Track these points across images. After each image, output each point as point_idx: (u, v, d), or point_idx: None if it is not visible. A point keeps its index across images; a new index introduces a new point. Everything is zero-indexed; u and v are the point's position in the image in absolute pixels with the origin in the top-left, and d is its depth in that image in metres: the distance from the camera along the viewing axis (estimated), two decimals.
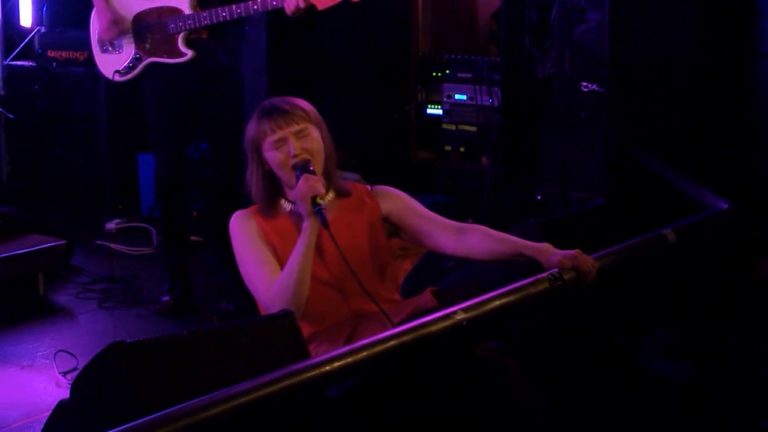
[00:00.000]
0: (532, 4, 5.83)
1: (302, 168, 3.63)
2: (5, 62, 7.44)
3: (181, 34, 5.37)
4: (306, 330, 3.45)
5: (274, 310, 3.38)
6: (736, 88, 5.55)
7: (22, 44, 7.55)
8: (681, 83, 5.50)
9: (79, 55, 7.08)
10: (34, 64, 7.38)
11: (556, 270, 3.53)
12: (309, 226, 3.56)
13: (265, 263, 3.66)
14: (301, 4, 5.03)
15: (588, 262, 3.55)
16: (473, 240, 3.73)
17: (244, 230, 3.74)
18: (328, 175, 3.74)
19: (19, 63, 7.49)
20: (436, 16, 6.87)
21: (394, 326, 3.26)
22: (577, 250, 3.57)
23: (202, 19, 5.30)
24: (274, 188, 3.75)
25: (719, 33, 5.55)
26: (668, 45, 5.49)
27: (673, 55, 5.51)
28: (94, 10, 5.63)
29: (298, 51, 6.72)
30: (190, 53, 5.39)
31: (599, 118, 5.56)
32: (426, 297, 3.53)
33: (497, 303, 3.36)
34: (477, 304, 3.31)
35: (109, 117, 6.99)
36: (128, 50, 5.54)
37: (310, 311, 3.57)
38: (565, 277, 3.51)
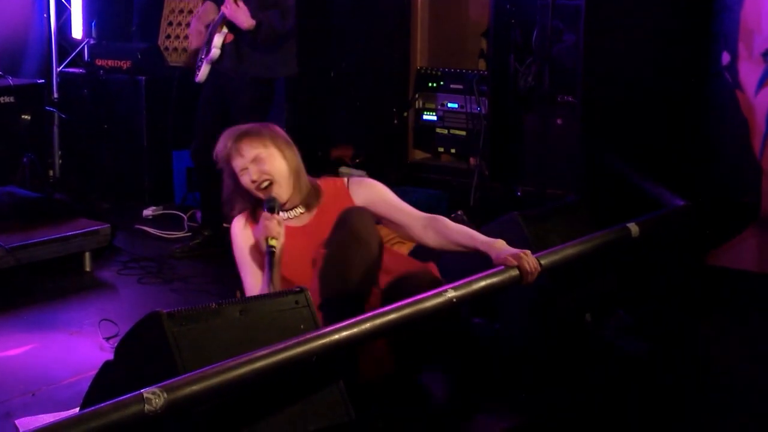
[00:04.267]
0: (516, 26, 5.83)
1: (267, 205, 3.63)
2: (59, 69, 7.44)
3: (216, 35, 5.55)
4: None
5: None
6: (692, 101, 5.55)
7: (74, 53, 7.56)
8: (645, 96, 5.50)
9: (123, 64, 7.08)
10: (83, 71, 7.39)
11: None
12: (267, 262, 3.53)
13: (253, 275, 3.69)
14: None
15: (531, 263, 3.45)
16: (437, 233, 3.67)
17: (238, 241, 3.76)
18: (297, 187, 3.75)
19: (70, 70, 7.49)
20: (433, 35, 6.85)
21: None
22: (525, 250, 3.49)
23: (218, 20, 5.54)
24: (257, 200, 3.74)
25: (679, 54, 5.55)
26: (634, 63, 5.49)
27: (638, 71, 5.51)
28: None
29: (316, 63, 6.73)
30: (213, 50, 5.55)
31: (573, 125, 5.57)
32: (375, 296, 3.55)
33: (482, 283, 3.39)
34: (465, 284, 3.34)
35: (148, 118, 7.00)
36: (200, 53, 5.73)
37: None
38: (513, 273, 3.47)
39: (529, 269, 3.45)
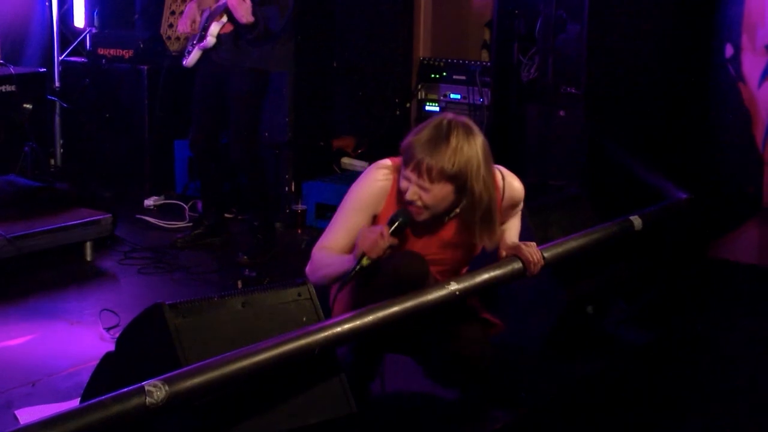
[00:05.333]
0: (520, 16, 5.80)
1: (394, 219, 3.20)
2: (61, 58, 7.41)
3: (213, 24, 5.49)
4: None
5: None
6: (695, 93, 5.54)
7: (75, 42, 7.52)
8: (648, 88, 5.49)
9: (125, 53, 7.06)
10: (85, 60, 7.36)
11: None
12: (351, 260, 3.17)
13: (343, 231, 3.31)
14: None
15: (534, 255, 3.40)
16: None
17: (367, 185, 3.36)
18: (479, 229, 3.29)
19: (72, 59, 7.46)
20: (435, 25, 6.84)
21: None
22: (527, 243, 3.46)
23: (218, 9, 5.46)
24: None
25: (682, 45, 5.53)
26: (638, 55, 5.47)
27: (642, 63, 5.49)
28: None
29: (319, 53, 6.71)
30: (209, 39, 5.50)
31: (576, 116, 5.55)
32: None
33: (485, 276, 3.37)
34: (468, 277, 3.32)
35: (150, 108, 6.97)
36: (192, 39, 5.69)
37: None
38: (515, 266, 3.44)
39: (531, 260, 3.42)
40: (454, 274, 3.42)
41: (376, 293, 3.15)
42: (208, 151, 5.78)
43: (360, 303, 3.14)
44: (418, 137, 3.20)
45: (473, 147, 3.20)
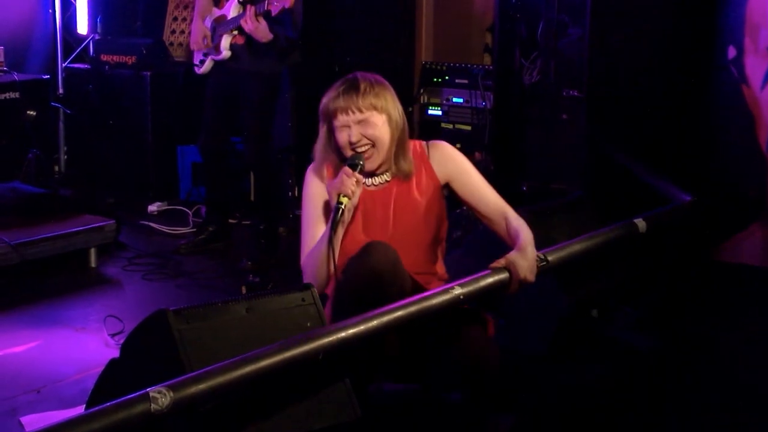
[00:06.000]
0: (521, 20, 5.80)
1: (350, 162, 3.35)
2: (64, 65, 7.43)
3: (224, 36, 5.53)
4: None
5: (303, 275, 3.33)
6: (697, 95, 5.53)
7: (79, 49, 7.55)
8: (650, 91, 5.49)
9: (128, 59, 7.07)
10: (89, 66, 7.37)
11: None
12: (332, 218, 3.28)
13: (315, 227, 3.42)
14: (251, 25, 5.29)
15: (523, 273, 3.30)
16: (502, 229, 3.49)
17: (310, 190, 3.49)
18: (395, 157, 3.44)
19: (76, 65, 7.48)
20: (438, 30, 6.84)
21: None
22: (526, 256, 3.34)
23: (227, 25, 5.54)
24: (343, 156, 3.44)
25: (684, 48, 5.53)
26: (640, 57, 5.47)
27: (643, 66, 5.49)
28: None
29: (321, 58, 6.72)
30: (224, 53, 5.56)
31: (578, 120, 5.55)
32: None
33: (489, 280, 3.35)
34: (472, 281, 3.31)
35: (153, 113, 6.98)
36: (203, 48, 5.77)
37: None
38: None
39: (516, 278, 3.31)
40: (432, 252, 3.52)
41: (353, 295, 3.18)
42: (217, 154, 5.82)
43: (341, 311, 3.18)
44: (333, 93, 3.40)
45: (382, 83, 3.44)
